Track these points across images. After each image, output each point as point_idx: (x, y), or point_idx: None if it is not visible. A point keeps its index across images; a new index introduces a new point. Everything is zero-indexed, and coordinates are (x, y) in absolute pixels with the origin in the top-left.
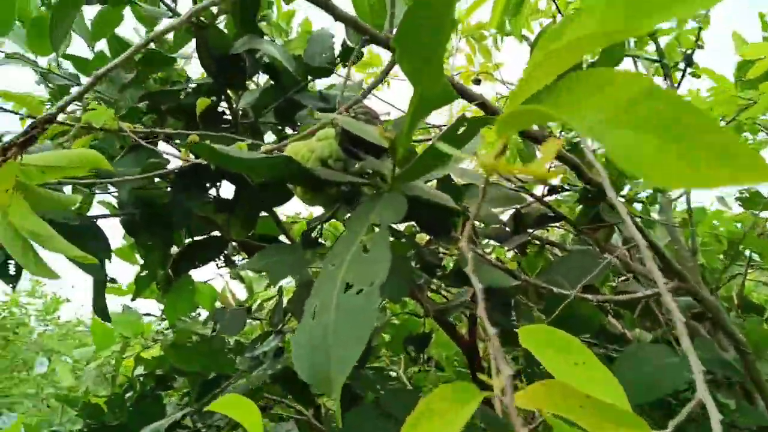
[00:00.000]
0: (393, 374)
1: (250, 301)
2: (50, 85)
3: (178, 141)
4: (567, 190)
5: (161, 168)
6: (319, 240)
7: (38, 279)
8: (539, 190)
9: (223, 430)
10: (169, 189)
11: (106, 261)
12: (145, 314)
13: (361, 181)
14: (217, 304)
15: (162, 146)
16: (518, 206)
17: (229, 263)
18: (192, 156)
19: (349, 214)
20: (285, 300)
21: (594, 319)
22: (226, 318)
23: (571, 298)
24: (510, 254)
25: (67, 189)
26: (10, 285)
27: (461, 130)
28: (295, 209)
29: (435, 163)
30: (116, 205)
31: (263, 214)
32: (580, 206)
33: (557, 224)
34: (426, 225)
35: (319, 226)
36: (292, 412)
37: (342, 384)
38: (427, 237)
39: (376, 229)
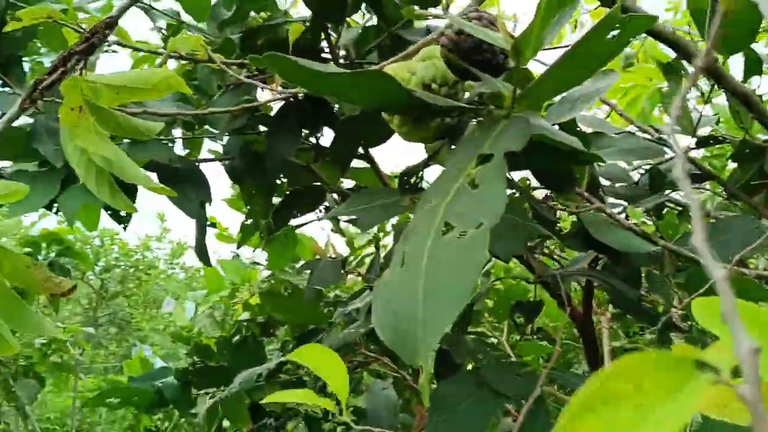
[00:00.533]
0: (494, 341)
1: (351, 257)
2: (163, 30)
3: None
4: (720, 141)
5: (253, 106)
6: (420, 186)
7: (166, 226)
8: (684, 142)
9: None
10: None
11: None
12: (253, 263)
13: (472, 107)
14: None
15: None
16: (656, 161)
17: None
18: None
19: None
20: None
21: (758, 298)
22: (319, 269)
23: (728, 269)
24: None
25: (177, 133)
26: (122, 225)
27: (613, 33)
28: (403, 163)
29: (574, 79)
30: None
31: (365, 165)
32: (734, 164)
33: (701, 184)
34: (545, 175)
35: (420, 172)
36: (392, 370)
37: (432, 351)
38: (542, 195)
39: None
